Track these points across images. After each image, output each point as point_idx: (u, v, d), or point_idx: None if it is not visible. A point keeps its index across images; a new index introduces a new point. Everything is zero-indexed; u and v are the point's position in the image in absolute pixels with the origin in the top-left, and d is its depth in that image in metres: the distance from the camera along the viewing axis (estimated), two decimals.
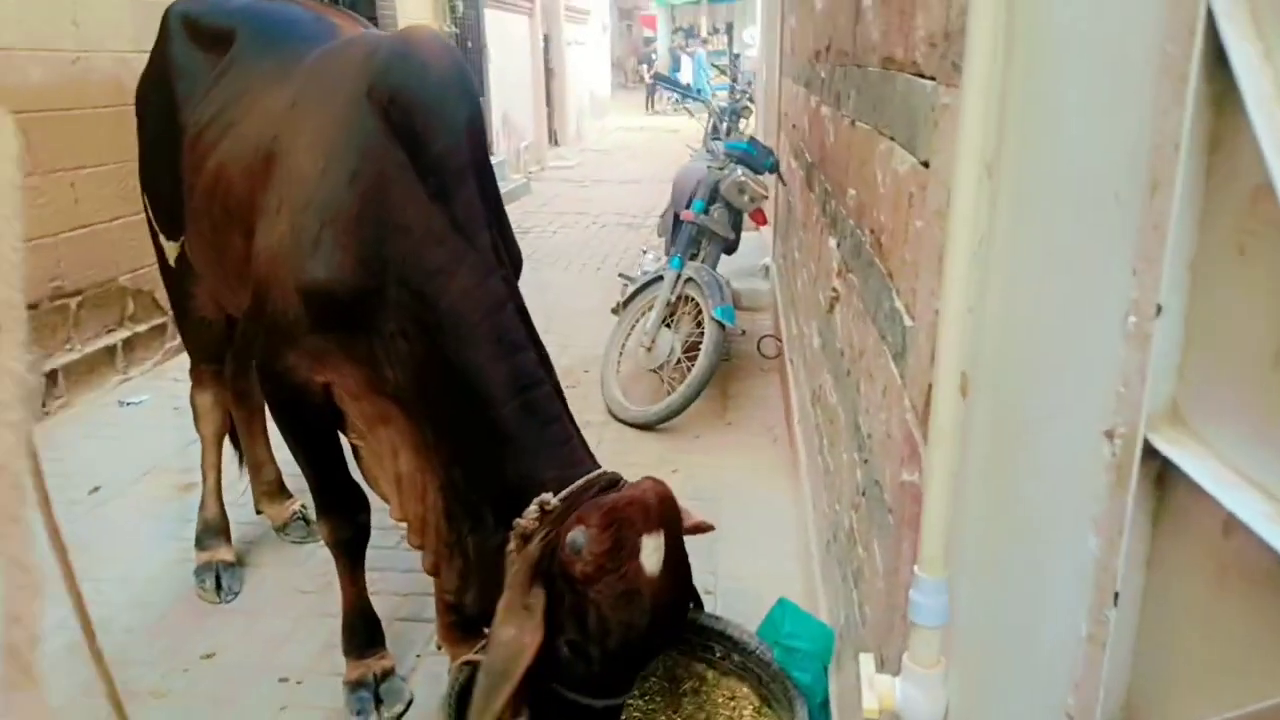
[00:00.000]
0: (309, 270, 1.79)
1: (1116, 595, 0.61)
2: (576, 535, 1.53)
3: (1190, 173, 0.54)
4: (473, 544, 1.83)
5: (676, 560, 1.63)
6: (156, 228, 2.59)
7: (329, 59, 2.04)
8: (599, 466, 1.74)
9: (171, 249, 2.54)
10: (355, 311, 1.79)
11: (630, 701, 2.17)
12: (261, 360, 1.96)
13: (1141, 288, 0.58)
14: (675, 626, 1.71)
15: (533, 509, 1.62)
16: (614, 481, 1.68)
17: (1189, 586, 0.57)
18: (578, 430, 1.81)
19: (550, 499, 1.62)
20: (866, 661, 1.16)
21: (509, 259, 1.95)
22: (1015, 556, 0.84)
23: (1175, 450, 0.57)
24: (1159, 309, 0.56)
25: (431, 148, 1.76)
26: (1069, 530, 0.69)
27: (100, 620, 2.54)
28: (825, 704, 1.99)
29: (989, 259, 0.96)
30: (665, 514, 1.61)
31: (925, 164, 1.19)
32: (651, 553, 1.55)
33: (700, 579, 2.66)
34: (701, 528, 1.87)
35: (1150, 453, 0.60)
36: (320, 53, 2.09)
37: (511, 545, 1.65)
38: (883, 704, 1.09)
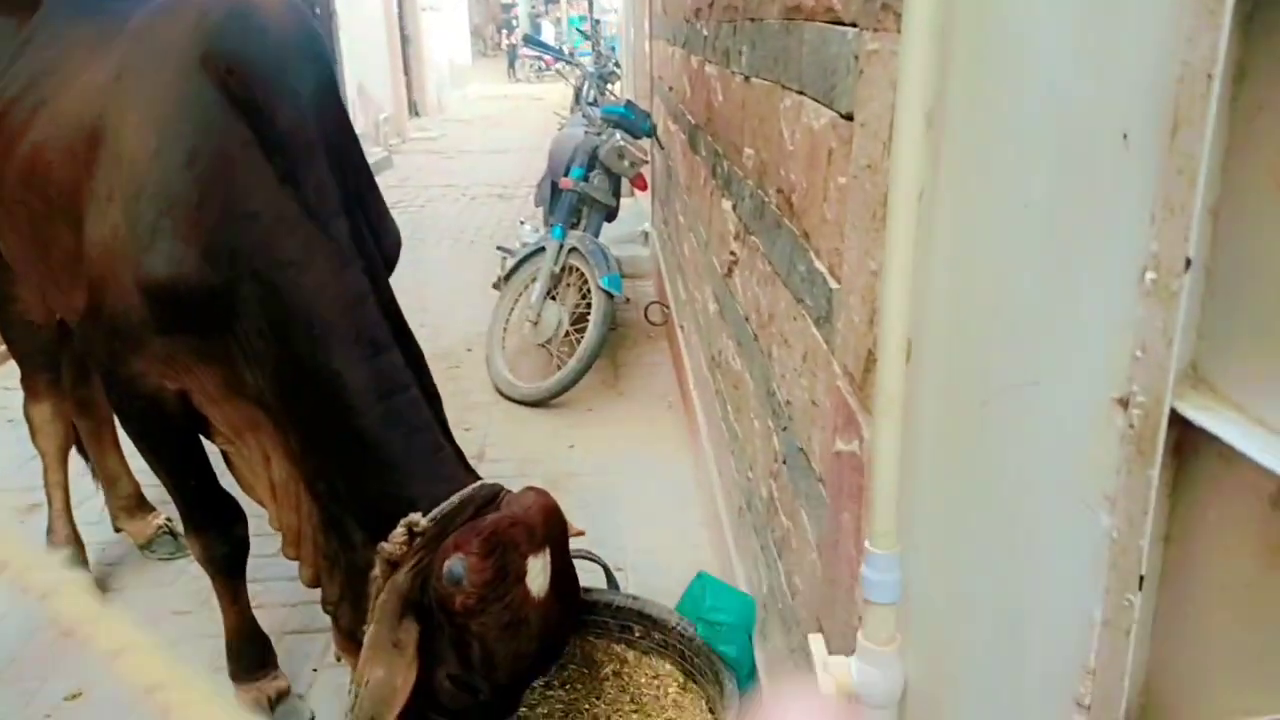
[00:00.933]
0: (149, 266, 1.57)
1: (1142, 579, 0.56)
2: (455, 564, 1.39)
3: (1220, 107, 0.48)
4: (345, 562, 1.66)
5: (563, 575, 1.53)
6: None
7: (156, 22, 1.76)
8: (476, 478, 1.58)
9: None
10: (205, 311, 1.59)
11: (551, 693, 2.09)
12: (104, 368, 1.73)
13: (1164, 240, 0.52)
14: (564, 640, 1.62)
15: (399, 531, 1.46)
16: (492, 495, 1.53)
17: (1227, 564, 0.52)
18: (450, 439, 1.65)
19: (419, 520, 1.46)
20: (817, 644, 1.11)
21: (384, 243, 1.77)
22: (988, 532, 0.79)
23: (1207, 416, 0.51)
24: (1188, 263, 0.50)
25: (276, 122, 1.56)
26: (1069, 507, 0.63)
27: None
28: (752, 672, 1.96)
29: (931, 214, 0.90)
30: (550, 529, 1.49)
31: (848, 117, 1.12)
32: (538, 574, 1.44)
33: (610, 555, 2.60)
34: (576, 534, 1.75)
35: (1170, 421, 0.54)
36: (145, 14, 1.80)
37: (377, 571, 1.49)
38: (839, 686, 1.04)
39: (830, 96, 1.20)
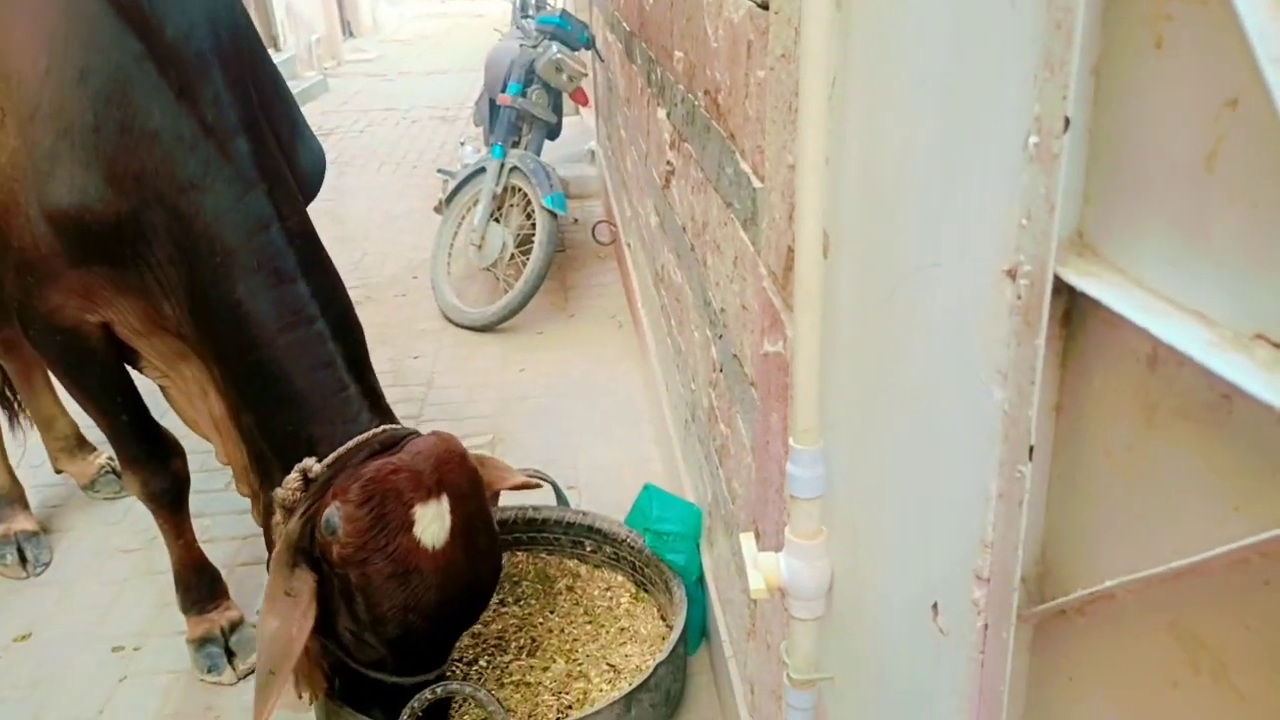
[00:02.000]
0: (52, 195, 1.49)
1: (1031, 449, 0.56)
2: (331, 513, 1.35)
3: None
4: (265, 502, 1.62)
5: (471, 523, 1.46)
6: None
7: None
8: (385, 420, 1.52)
9: None
10: (115, 239, 1.51)
11: (505, 609, 2.12)
12: (19, 303, 1.65)
13: (1044, 101, 0.50)
14: (484, 594, 1.56)
15: (293, 476, 1.42)
16: (394, 440, 1.47)
17: (1109, 430, 0.53)
18: (363, 377, 1.56)
19: (312, 465, 1.42)
20: (747, 542, 1.12)
21: (299, 164, 1.69)
22: (902, 418, 0.79)
23: (1090, 282, 0.51)
24: (1067, 123, 0.49)
25: (165, 33, 1.46)
26: (966, 383, 0.63)
27: None
28: (700, 580, 2.00)
29: (844, 102, 0.88)
30: (448, 475, 1.42)
31: (764, 5, 1.08)
32: (430, 522, 1.38)
33: (563, 474, 2.62)
34: (527, 485, 1.70)
35: (1056, 289, 0.54)
36: None
37: (277, 517, 1.45)
38: (768, 582, 1.06)
39: None
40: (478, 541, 1.48)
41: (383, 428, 1.50)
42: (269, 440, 1.53)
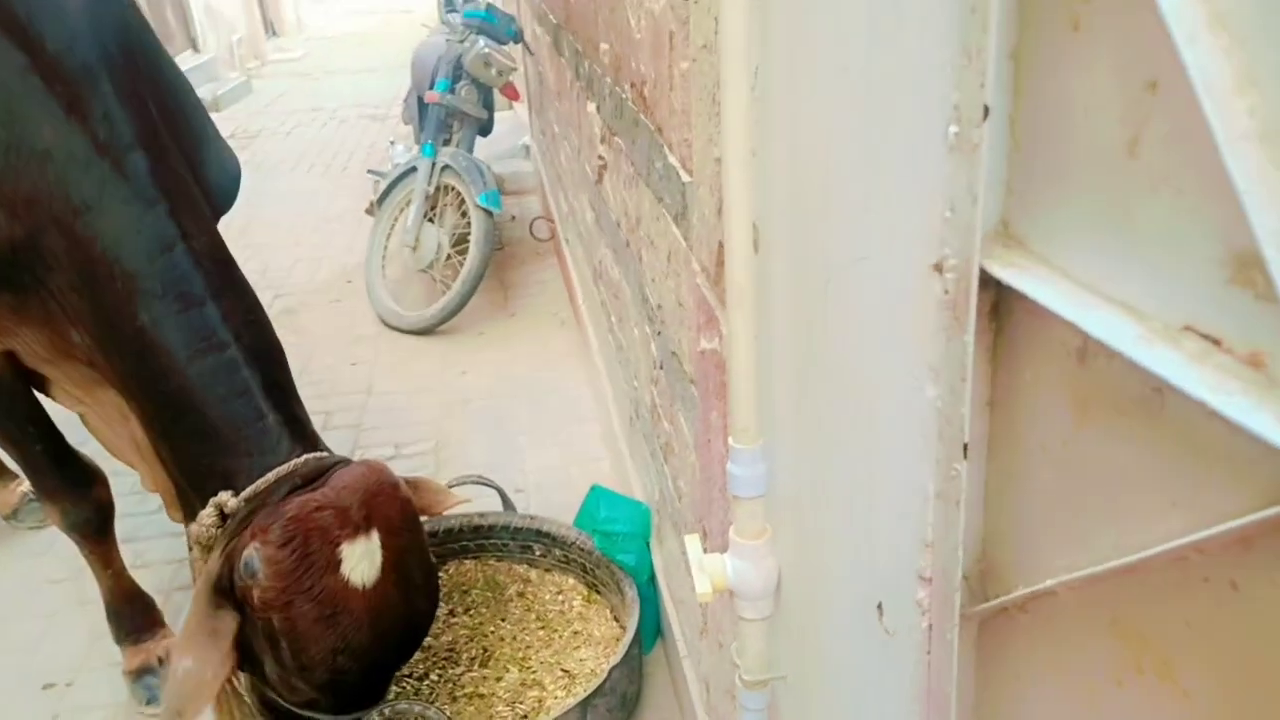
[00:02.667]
0: None
1: (966, 446, 0.54)
2: (250, 555, 1.27)
3: None
4: (188, 536, 1.53)
5: (404, 557, 1.39)
6: None
7: None
8: (307, 449, 1.44)
9: None
10: (11, 265, 1.42)
11: (455, 619, 2.07)
12: None
13: (963, 89, 0.49)
14: (420, 629, 1.49)
15: (208, 511, 1.35)
16: (319, 471, 1.39)
17: (1044, 425, 0.51)
18: (285, 404, 1.48)
19: (227, 499, 1.35)
20: (692, 544, 1.10)
21: (209, 177, 1.60)
22: (839, 416, 0.77)
23: (1015, 274, 0.49)
24: (986, 111, 0.47)
25: (46, 46, 1.38)
26: (900, 381, 0.62)
27: None
28: (652, 579, 1.98)
29: (768, 93, 0.86)
30: (377, 508, 1.35)
31: None
32: (359, 560, 1.31)
33: (510, 477, 2.58)
34: (462, 502, 1.63)
35: (984, 281, 0.52)
36: None
37: (195, 553, 1.38)
38: (714, 584, 1.04)
39: None
40: (412, 576, 1.42)
41: (305, 457, 1.42)
42: (185, 474, 1.45)
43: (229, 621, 1.31)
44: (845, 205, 0.70)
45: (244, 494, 1.35)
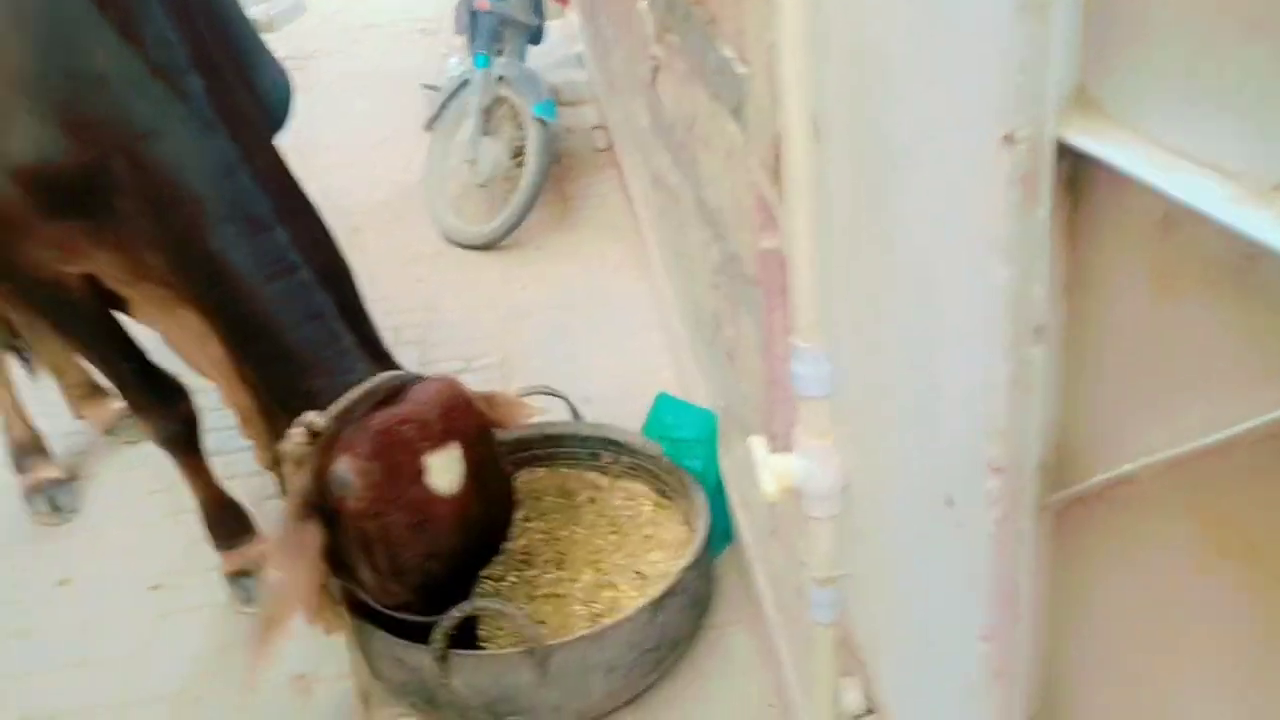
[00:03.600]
0: (14, 152, 1.44)
1: (1040, 329, 0.52)
2: (341, 468, 1.32)
3: None
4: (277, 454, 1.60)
5: (481, 467, 1.44)
6: None
7: None
8: (384, 367, 1.47)
9: None
10: (84, 190, 1.45)
11: (529, 524, 2.13)
12: None
13: None
14: (500, 535, 1.55)
15: (297, 431, 1.39)
16: (397, 388, 1.43)
17: (1124, 304, 0.48)
18: (358, 323, 1.51)
19: (316, 419, 1.39)
20: (758, 445, 1.10)
21: (262, 97, 1.60)
22: (904, 308, 0.75)
23: (1093, 141, 0.46)
24: None
25: None
26: (969, 264, 0.59)
27: None
28: (720, 484, 2.00)
29: None
30: (454, 420, 1.40)
31: None
32: (442, 470, 1.36)
33: (574, 388, 2.59)
34: (536, 413, 1.67)
35: (1061, 152, 0.49)
36: None
37: (286, 468, 1.43)
38: (780, 484, 1.04)
39: None
40: (489, 484, 1.48)
41: (383, 375, 1.46)
42: (271, 392, 1.50)
43: (315, 534, 1.37)
44: (910, 79, 0.66)
45: (330, 412, 1.39)
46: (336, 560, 1.43)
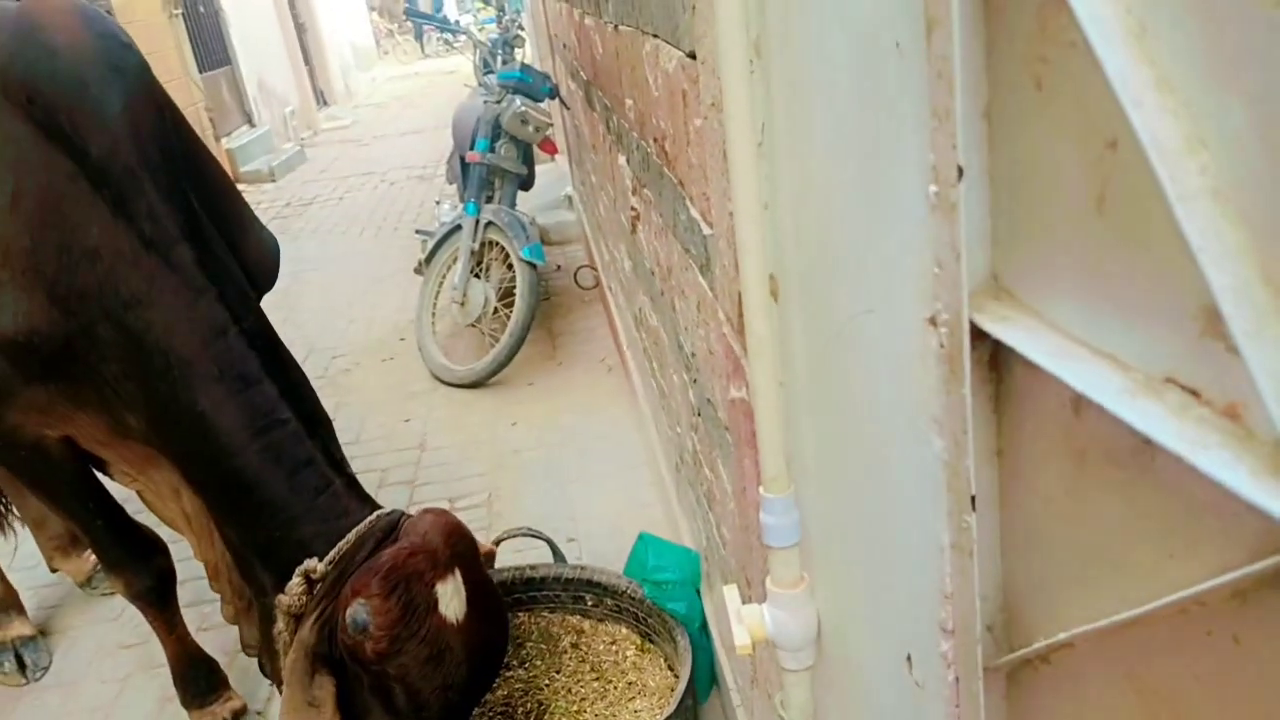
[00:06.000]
0: None
1: (974, 499, 0.54)
2: (357, 611, 1.32)
3: (968, 2, 0.46)
4: (259, 607, 1.58)
5: (481, 592, 1.46)
6: None
7: None
8: (372, 508, 1.49)
9: None
10: (66, 359, 1.50)
11: (510, 673, 2.08)
12: None
13: (938, 149, 0.49)
14: (499, 659, 1.55)
15: (296, 581, 1.38)
16: (391, 525, 1.45)
17: (1046, 475, 0.51)
18: (341, 469, 1.55)
19: (316, 566, 1.39)
20: (731, 595, 1.10)
21: (251, 261, 1.67)
22: (858, 465, 0.77)
23: (1004, 328, 0.50)
24: (960, 171, 0.48)
25: (90, 152, 1.45)
26: (909, 432, 0.62)
27: None
28: (704, 627, 1.97)
29: (774, 148, 0.87)
30: (455, 548, 1.42)
31: (692, 55, 1.08)
32: (451, 598, 1.38)
33: (561, 526, 2.59)
34: (488, 555, 1.66)
35: (979, 334, 0.52)
36: None
37: (280, 625, 1.42)
38: (754, 635, 1.03)
39: (675, 36, 1.16)
40: (488, 606, 1.49)
41: (376, 514, 1.48)
42: (255, 549, 1.50)
43: (328, 687, 1.35)
44: (848, 258, 0.71)
45: (328, 558, 1.39)
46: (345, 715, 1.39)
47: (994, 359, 0.54)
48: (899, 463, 0.66)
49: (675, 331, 1.76)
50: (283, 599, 1.39)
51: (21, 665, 2.35)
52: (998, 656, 0.60)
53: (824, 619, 1.02)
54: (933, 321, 0.55)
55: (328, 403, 1.66)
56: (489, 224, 3.69)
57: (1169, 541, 0.42)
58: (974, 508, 0.55)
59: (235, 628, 2.41)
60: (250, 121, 8.77)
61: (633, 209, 2.13)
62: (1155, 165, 0.35)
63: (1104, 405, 0.42)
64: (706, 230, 1.19)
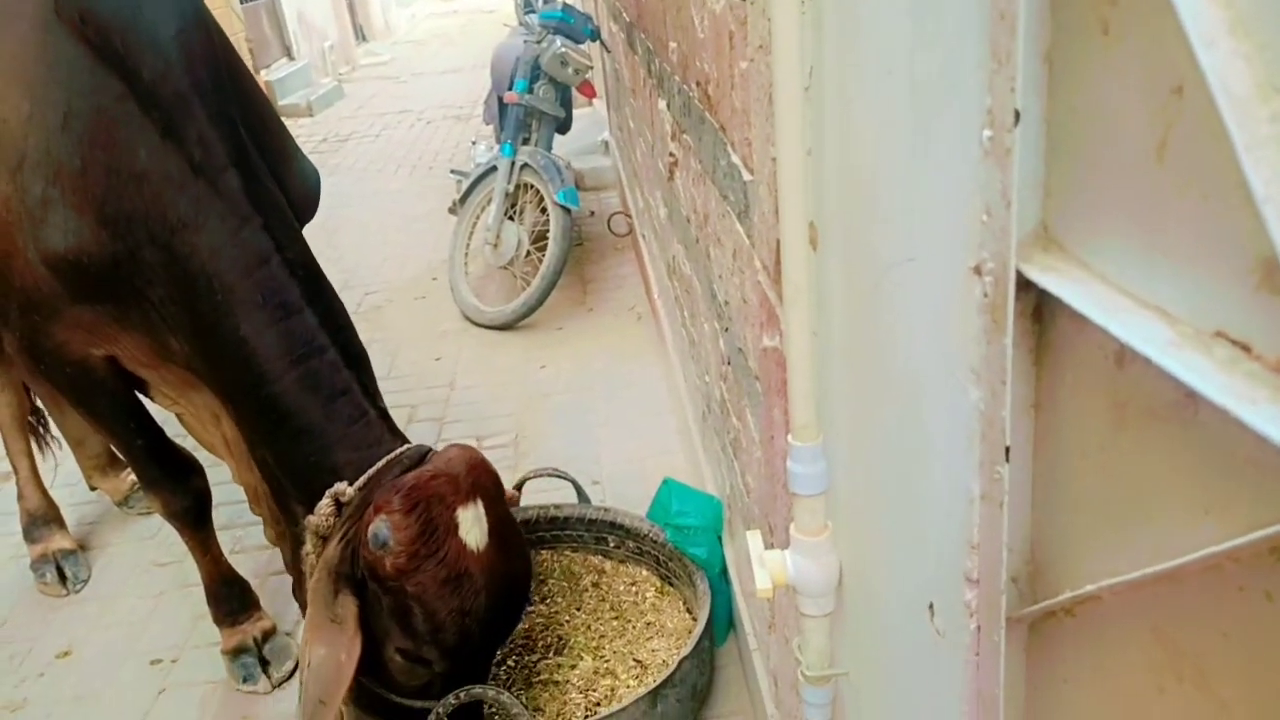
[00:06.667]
0: (47, 240, 1.50)
1: (1008, 450, 0.54)
2: (378, 527, 1.34)
3: None
4: (290, 534, 1.62)
5: (504, 527, 1.47)
6: None
7: None
8: (403, 441, 1.52)
9: None
10: (114, 279, 1.52)
11: (531, 608, 2.12)
12: (25, 340, 1.67)
13: (995, 93, 0.48)
14: (521, 599, 1.56)
15: (325, 503, 1.41)
16: (419, 457, 1.48)
17: (1084, 429, 0.51)
18: (376, 400, 1.58)
19: (345, 489, 1.42)
20: (755, 540, 1.11)
21: (294, 192, 1.68)
22: (891, 415, 0.77)
23: (1051, 278, 0.49)
24: (1017, 115, 0.47)
25: (142, 74, 1.46)
26: (946, 383, 0.62)
27: None
28: (724, 573, 1.99)
29: (822, 92, 0.86)
30: (479, 480, 1.44)
31: None
32: (472, 525, 1.39)
33: (587, 469, 2.62)
34: (512, 500, 1.68)
35: (1025, 284, 0.52)
36: None
37: (308, 547, 1.45)
38: (775, 580, 1.05)
39: None
40: (511, 542, 1.50)
41: (406, 447, 1.51)
42: (289, 473, 1.53)
43: (350, 605, 1.38)
44: (892, 205, 0.70)
45: (358, 483, 1.42)
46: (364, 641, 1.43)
47: (1037, 310, 0.54)
48: (933, 413, 0.66)
49: (709, 280, 1.76)
50: (311, 520, 1.43)
51: (62, 577, 2.44)
52: (1021, 607, 0.61)
53: (845, 567, 1.03)
54: (977, 270, 0.54)
55: (361, 337, 1.69)
56: (524, 166, 3.67)
57: (1206, 496, 0.42)
58: (1008, 459, 0.55)
59: (267, 552, 2.49)
60: (289, 55, 8.73)
61: (671, 155, 2.11)
62: (1224, 112, 0.34)
63: (1150, 357, 0.41)
64: (747, 176, 1.18)
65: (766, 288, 1.13)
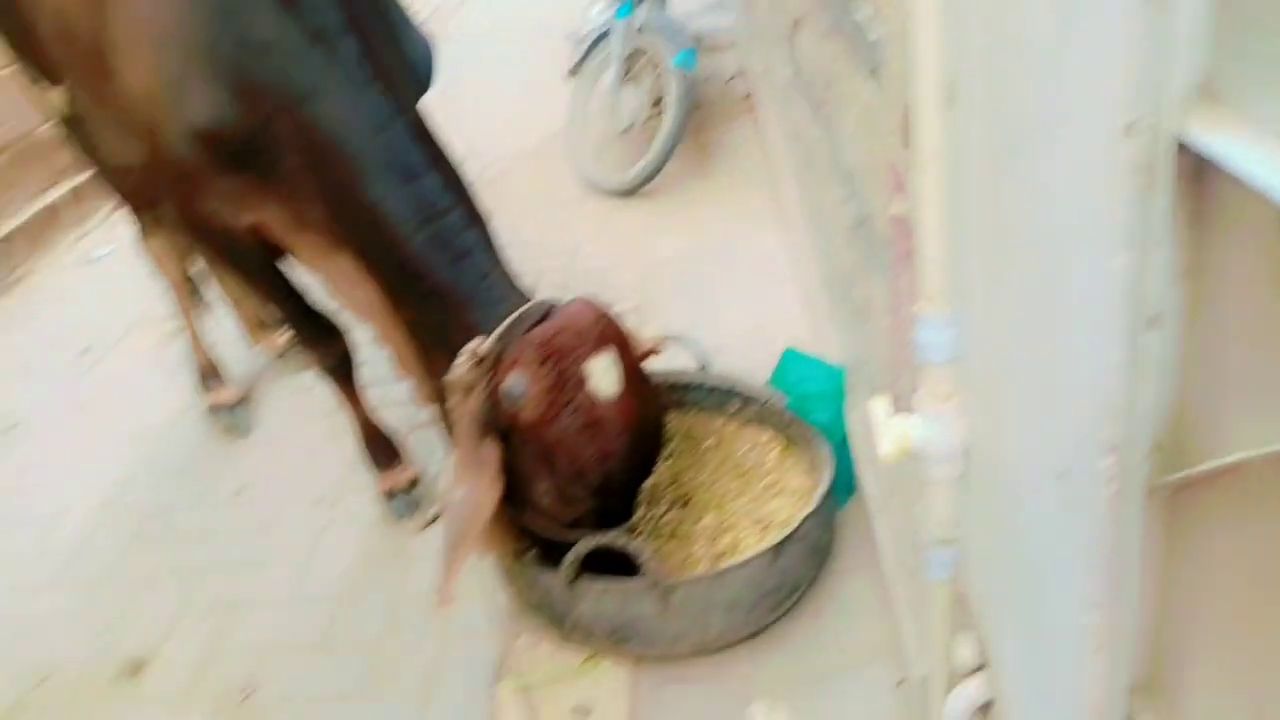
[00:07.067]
0: (189, 115, 1.59)
1: (1155, 317, 0.53)
2: (512, 382, 1.41)
3: None
4: (434, 390, 1.71)
5: (634, 373, 1.52)
6: (35, 75, 2.29)
7: None
8: (528, 298, 1.58)
9: (60, 97, 2.27)
10: (251, 150, 1.60)
11: (656, 466, 2.20)
12: (180, 210, 1.80)
13: None
14: (657, 439, 1.63)
15: (463, 360, 1.49)
16: (546, 311, 1.54)
17: (1243, 296, 0.49)
18: (498, 259, 1.63)
19: (480, 345, 1.49)
20: (879, 406, 1.12)
21: (409, 58, 1.70)
22: (1029, 282, 0.75)
23: (1216, 136, 0.46)
24: None
25: None
26: (1090, 248, 0.60)
27: (124, 478, 2.56)
28: (844, 440, 2.01)
29: None
30: (606, 330, 1.49)
31: None
32: (603, 374, 1.45)
33: (707, 337, 2.63)
34: (653, 351, 1.72)
35: (1181, 144, 0.49)
36: None
37: (454, 399, 1.53)
38: (899, 446, 1.06)
39: None
40: (643, 389, 1.57)
41: (534, 302, 1.58)
42: (427, 329, 1.63)
43: (492, 451, 1.48)
44: (1036, 62, 0.66)
45: (492, 338, 1.50)
46: (513, 483, 1.53)
47: (1198, 172, 0.51)
48: (1076, 279, 0.64)
49: (834, 144, 1.70)
50: (452, 376, 1.52)
51: (232, 424, 2.70)
52: (1160, 476, 0.60)
53: (972, 435, 1.03)
54: (1130, 129, 0.51)
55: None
56: (641, 29, 3.57)
57: None
58: (1153, 326, 0.54)
59: (411, 407, 2.66)
60: None
61: (796, 11, 2.01)
62: None
63: None
64: (878, 33, 1.12)
65: (896, 151, 1.09)
